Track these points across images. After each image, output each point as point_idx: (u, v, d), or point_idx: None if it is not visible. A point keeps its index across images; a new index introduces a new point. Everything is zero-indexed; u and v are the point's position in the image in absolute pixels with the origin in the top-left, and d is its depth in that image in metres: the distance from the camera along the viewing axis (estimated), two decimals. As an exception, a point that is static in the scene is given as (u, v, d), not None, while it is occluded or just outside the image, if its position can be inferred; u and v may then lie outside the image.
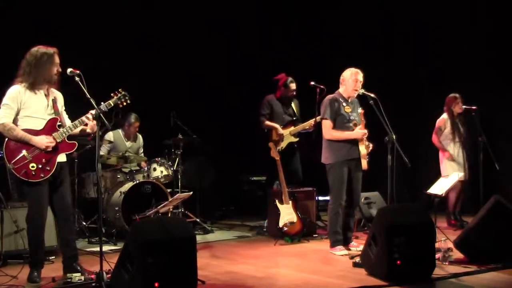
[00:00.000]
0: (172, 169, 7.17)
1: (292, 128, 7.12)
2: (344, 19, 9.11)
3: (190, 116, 7.75)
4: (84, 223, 6.73)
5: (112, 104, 4.80)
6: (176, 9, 8.34)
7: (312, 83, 6.85)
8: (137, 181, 6.65)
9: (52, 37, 5.43)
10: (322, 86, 6.73)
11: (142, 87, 7.76)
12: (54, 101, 4.75)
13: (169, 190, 6.87)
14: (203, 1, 8.59)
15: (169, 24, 8.23)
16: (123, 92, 4.87)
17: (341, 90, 5.92)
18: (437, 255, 5.05)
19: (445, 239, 5.45)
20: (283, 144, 7.00)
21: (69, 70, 4.58)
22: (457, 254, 5.26)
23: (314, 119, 6.83)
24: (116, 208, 6.46)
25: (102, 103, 4.73)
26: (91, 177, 7.04)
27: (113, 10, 7.71)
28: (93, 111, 4.62)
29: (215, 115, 8.61)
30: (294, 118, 7.21)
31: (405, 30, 8.93)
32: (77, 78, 4.55)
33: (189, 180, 7.59)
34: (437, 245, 5.03)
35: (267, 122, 7.11)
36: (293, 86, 7.17)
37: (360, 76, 5.81)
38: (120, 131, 7.31)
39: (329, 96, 5.92)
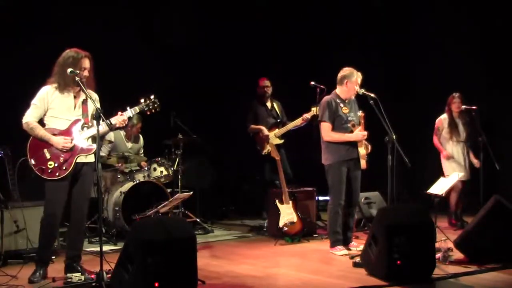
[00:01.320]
0: (172, 169, 7.17)
1: (277, 130, 7.17)
2: (345, 19, 9.11)
3: (190, 116, 7.75)
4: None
5: (139, 110, 4.87)
6: (177, 8, 8.33)
7: (312, 83, 6.87)
8: (137, 181, 6.65)
9: (52, 37, 5.45)
10: (322, 86, 6.75)
11: (142, 87, 7.74)
12: (84, 102, 4.78)
13: (169, 190, 6.87)
14: (203, 1, 8.59)
15: (169, 23, 8.23)
16: (153, 99, 4.90)
17: (338, 90, 5.89)
18: (437, 255, 5.05)
19: (445, 239, 5.46)
20: (269, 147, 7.01)
21: (69, 70, 4.61)
22: (457, 254, 5.26)
23: (299, 118, 6.93)
24: (116, 208, 6.47)
25: (128, 108, 4.78)
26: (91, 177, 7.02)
27: (113, 10, 7.71)
28: (127, 113, 4.75)
29: (215, 115, 8.61)
30: (278, 120, 7.27)
31: (405, 29, 8.93)
32: (77, 78, 4.58)
33: (189, 180, 7.58)
34: (437, 245, 5.03)
35: (252, 126, 7.18)
36: (264, 83, 7.32)
37: (360, 78, 5.82)
38: (121, 131, 7.30)
39: (326, 98, 5.91)
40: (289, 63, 8.86)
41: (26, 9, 7.08)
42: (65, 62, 4.65)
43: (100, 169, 4.44)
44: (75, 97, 4.76)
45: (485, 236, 5.13)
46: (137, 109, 4.85)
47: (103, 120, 4.54)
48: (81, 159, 4.74)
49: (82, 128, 4.74)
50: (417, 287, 4.48)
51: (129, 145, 7.35)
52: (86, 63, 4.70)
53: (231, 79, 8.67)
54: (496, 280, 4.66)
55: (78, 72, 4.60)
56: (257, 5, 8.95)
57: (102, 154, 6.85)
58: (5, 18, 6.88)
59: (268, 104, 7.38)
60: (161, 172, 7.07)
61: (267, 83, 7.36)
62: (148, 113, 4.94)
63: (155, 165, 7.10)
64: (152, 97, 4.93)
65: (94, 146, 4.76)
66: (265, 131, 7.14)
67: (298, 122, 7.06)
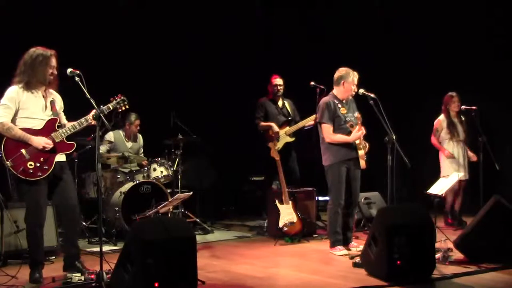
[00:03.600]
0: (172, 169, 7.17)
1: (288, 128, 7.16)
2: (344, 19, 9.12)
3: (190, 116, 7.75)
4: (84, 223, 6.72)
5: (112, 108, 4.86)
6: (176, 8, 8.33)
7: (312, 83, 6.87)
8: (137, 181, 6.65)
9: (54, 37, 5.44)
10: (322, 87, 6.75)
11: (142, 87, 7.76)
12: (53, 102, 4.78)
13: (169, 190, 6.87)
14: (203, 1, 8.59)
15: (168, 23, 8.23)
16: (122, 97, 4.92)
17: (335, 91, 5.89)
18: (437, 255, 5.06)
19: (445, 239, 5.45)
20: (279, 145, 7.02)
21: (69, 70, 4.60)
22: (457, 254, 5.26)
23: (313, 116, 6.91)
24: (116, 208, 6.47)
25: (101, 106, 4.76)
26: (91, 177, 7.04)
27: (113, 10, 7.72)
28: (93, 113, 4.65)
29: (215, 115, 8.61)
30: (289, 118, 7.27)
31: (405, 29, 8.93)
32: (77, 78, 4.58)
33: (189, 180, 7.58)
34: (437, 245, 5.03)
35: (262, 123, 7.16)
36: (275, 81, 7.29)
37: (357, 78, 5.82)
38: (120, 131, 7.31)
39: (325, 99, 5.90)
40: (289, 62, 8.85)
41: (18, 10, 7.09)
42: (34, 61, 4.62)
43: (100, 169, 4.44)
44: (43, 96, 4.73)
45: (485, 236, 5.12)
46: (110, 106, 4.83)
47: (99, 120, 4.55)
48: (57, 158, 4.71)
49: (58, 127, 4.72)
50: (417, 287, 4.48)
51: (129, 144, 7.35)
52: (54, 61, 4.69)
53: (231, 78, 8.67)
54: (496, 280, 4.65)
55: (78, 72, 4.59)
56: (256, 4, 8.95)
57: (100, 151, 6.85)
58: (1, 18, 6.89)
59: (280, 102, 7.36)
60: (161, 172, 7.06)
61: (280, 81, 7.31)
62: (120, 110, 4.94)
63: (155, 165, 7.09)
64: (119, 95, 4.92)
65: (74, 144, 4.78)
66: (275, 127, 7.13)
67: (309, 120, 7.03)
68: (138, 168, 7.24)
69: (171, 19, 8.29)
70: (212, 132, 8.22)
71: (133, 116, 7.22)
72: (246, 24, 8.82)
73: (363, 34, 9.10)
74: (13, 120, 4.61)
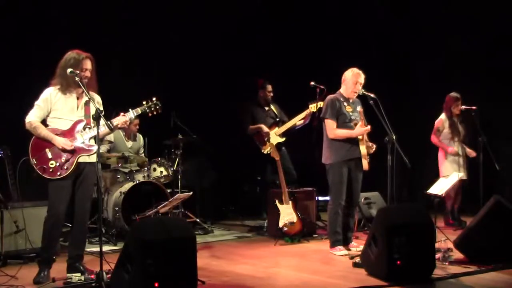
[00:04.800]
0: (172, 169, 7.17)
1: (277, 128, 7.17)
2: (344, 19, 9.12)
3: (190, 116, 7.75)
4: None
5: (140, 112, 4.94)
6: (176, 7, 8.33)
7: (312, 83, 6.87)
8: (137, 181, 6.65)
9: (53, 37, 5.45)
10: (322, 86, 6.76)
11: (142, 87, 7.75)
12: (87, 103, 4.82)
13: (169, 190, 6.87)
14: (204, 1, 8.59)
15: (168, 23, 8.23)
16: (155, 101, 4.97)
17: (342, 89, 5.92)
18: (437, 255, 5.06)
19: (445, 239, 5.46)
20: (269, 147, 7.01)
21: (69, 70, 4.64)
22: (457, 254, 5.26)
23: (301, 114, 6.94)
24: (116, 208, 6.47)
25: (130, 109, 4.84)
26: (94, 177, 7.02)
27: (113, 10, 7.72)
28: (129, 114, 4.82)
29: (215, 115, 8.61)
30: (277, 119, 7.29)
31: (405, 29, 8.94)
32: (77, 78, 4.61)
33: (189, 180, 7.58)
34: (437, 245, 5.03)
35: (251, 126, 7.22)
36: (269, 87, 7.37)
37: (361, 78, 5.80)
38: (120, 131, 7.29)
39: (331, 96, 5.92)
40: (288, 63, 8.85)
41: (26, 9, 7.08)
42: (67, 63, 4.70)
43: (100, 169, 4.46)
44: (78, 98, 4.81)
45: (485, 236, 5.13)
46: (139, 110, 4.92)
47: (103, 120, 4.57)
48: (84, 159, 4.77)
49: (84, 128, 4.77)
50: (417, 287, 4.48)
51: (129, 144, 7.35)
52: (88, 64, 4.74)
53: (231, 79, 8.67)
54: (496, 280, 4.66)
55: (78, 72, 4.63)
56: (257, 5, 8.95)
57: (100, 151, 6.83)
58: (5, 18, 6.89)
59: (266, 107, 7.41)
60: (161, 172, 7.06)
61: (271, 88, 7.43)
62: (150, 115, 5.01)
63: (155, 165, 7.09)
64: (154, 99, 5.00)
65: (95, 146, 4.78)
66: (265, 128, 7.17)
67: (298, 118, 7.04)
68: (138, 168, 7.23)
69: (171, 18, 8.28)
70: (212, 132, 8.22)
71: (131, 116, 7.20)
72: (246, 24, 8.81)
73: (363, 34, 9.10)
74: (45, 120, 4.75)
